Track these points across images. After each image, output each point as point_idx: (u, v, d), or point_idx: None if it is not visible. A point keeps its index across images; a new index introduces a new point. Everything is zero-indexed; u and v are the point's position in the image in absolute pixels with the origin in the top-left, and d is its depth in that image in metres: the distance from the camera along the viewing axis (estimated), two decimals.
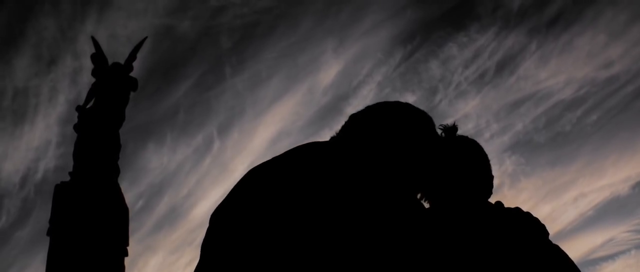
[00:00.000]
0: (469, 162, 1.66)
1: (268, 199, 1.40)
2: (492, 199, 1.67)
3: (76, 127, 7.84)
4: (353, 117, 1.65)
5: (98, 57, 8.26)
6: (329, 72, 14.47)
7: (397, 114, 1.63)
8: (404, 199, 1.47)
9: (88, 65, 8.38)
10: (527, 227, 1.51)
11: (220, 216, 1.47)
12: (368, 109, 1.66)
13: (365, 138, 1.57)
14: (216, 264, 1.40)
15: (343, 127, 1.64)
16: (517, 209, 1.57)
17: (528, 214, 1.56)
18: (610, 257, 14.57)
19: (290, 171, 1.45)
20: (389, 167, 1.51)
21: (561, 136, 14.51)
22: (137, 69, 8.50)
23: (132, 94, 8.25)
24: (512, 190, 14.31)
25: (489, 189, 1.67)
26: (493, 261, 1.42)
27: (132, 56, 8.38)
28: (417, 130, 1.61)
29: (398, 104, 1.69)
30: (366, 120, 1.62)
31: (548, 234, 1.54)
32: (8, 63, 14.06)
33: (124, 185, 7.97)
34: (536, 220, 1.55)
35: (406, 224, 1.41)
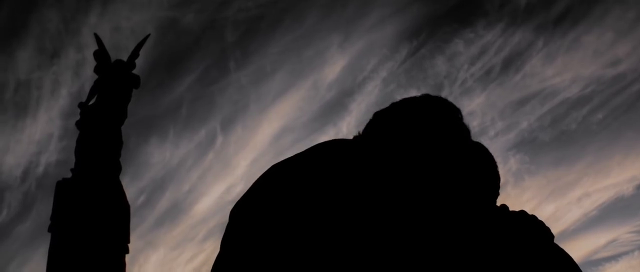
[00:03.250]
0: (478, 168, 1.62)
1: (289, 197, 1.39)
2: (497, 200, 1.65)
3: (78, 124, 7.84)
4: (377, 115, 1.61)
5: (101, 54, 8.25)
6: (334, 67, 14.45)
7: (423, 112, 1.57)
8: (424, 202, 1.43)
9: (91, 58, 8.38)
10: (532, 230, 1.47)
11: (241, 212, 1.45)
12: (393, 106, 1.62)
13: (389, 138, 1.53)
14: (235, 260, 1.38)
15: (367, 126, 1.61)
16: (522, 212, 1.54)
17: (533, 217, 1.53)
18: (614, 258, 14.53)
19: (312, 170, 1.43)
20: (414, 170, 1.47)
21: (566, 134, 14.45)
22: (140, 63, 8.51)
23: (134, 90, 8.24)
24: (516, 189, 14.26)
25: (495, 192, 1.64)
26: (497, 265, 1.39)
27: (135, 54, 8.37)
28: (444, 131, 1.56)
29: (425, 100, 1.63)
30: (391, 119, 1.57)
31: (553, 237, 1.51)
32: (10, 55, 14.09)
33: (125, 180, 7.97)
34: (541, 223, 1.52)
35: (424, 227, 1.38)
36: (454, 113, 1.60)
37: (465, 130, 1.60)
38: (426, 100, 1.62)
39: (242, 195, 1.48)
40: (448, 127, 1.56)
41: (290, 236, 1.33)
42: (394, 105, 1.62)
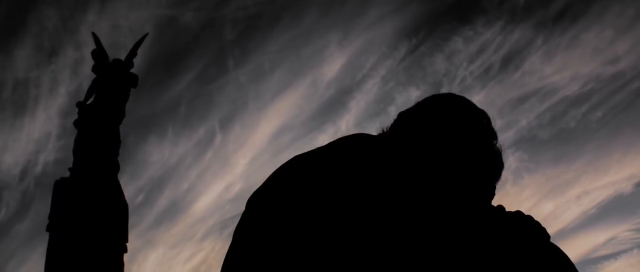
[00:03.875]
0: (489, 173, 1.61)
1: (308, 190, 1.37)
2: (495, 198, 1.63)
3: (76, 124, 7.82)
4: (402, 115, 1.59)
5: (98, 53, 8.23)
6: (333, 65, 14.43)
7: (450, 113, 1.56)
8: (437, 203, 1.42)
9: (89, 56, 8.36)
10: (527, 231, 1.46)
11: (258, 202, 1.43)
12: (417, 106, 1.60)
13: (414, 137, 1.52)
14: (247, 251, 1.36)
15: (392, 126, 1.59)
16: (518, 213, 1.53)
17: (529, 217, 1.52)
18: (613, 256, 14.53)
19: (335, 164, 1.40)
20: (437, 170, 1.46)
21: (565, 132, 14.44)
22: (139, 61, 8.49)
23: (132, 89, 8.22)
24: (515, 187, 14.25)
25: (491, 192, 1.62)
26: (493, 265, 1.37)
27: (133, 52, 8.35)
28: (471, 133, 1.54)
29: (450, 99, 1.61)
30: (416, 119, 1.56)
31: (549, 237, 1.50)
32: (9, 54, 14.05)
33: (124, 179, 7.96)
34: (537, 224, 1.50)
35: (432, 227, 1.37)
36: (480, 117, 1.59)
37: (490, 135, 1.59)
38: (452, 102, 1.60)
39: (261, 184, 1.47)
40: (473, 132, 1.55)
41: (305, 231, 1.32)
42: (419, 105, 1.60)
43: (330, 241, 1.30)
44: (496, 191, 1.64)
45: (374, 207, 1.34)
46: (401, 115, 1.59)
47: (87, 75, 8.89)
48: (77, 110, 7.93)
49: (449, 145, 1.50)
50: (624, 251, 14.35)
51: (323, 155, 1.45)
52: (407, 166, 1.44)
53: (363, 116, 14.20)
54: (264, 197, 1.42)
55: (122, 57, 8.36)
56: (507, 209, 1.54)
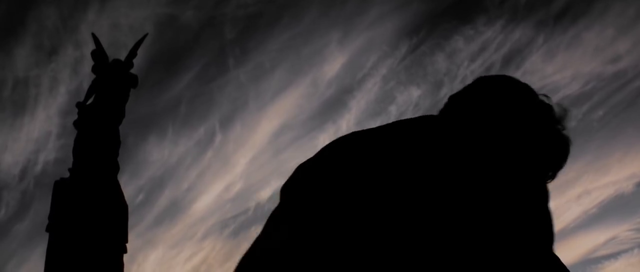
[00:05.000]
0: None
1: (364, 166, 1.33)
2: None
3: (76, 124, 7.82)
4: (453, 98, 1.55)
5: (98, 54, 8.23)
6: (333, 64, 14.40)
7: (502, 91, 1.53)
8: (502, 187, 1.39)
9: (89, 55, 8.36)
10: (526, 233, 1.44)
11: (306, 172, 1.39)
12: (468, 87, 1.56)
13: (470, 118, 1.48)
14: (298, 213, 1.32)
15: (443, 109, 1.55)
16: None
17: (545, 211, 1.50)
18: (613, 255, 14.53)
19: (395, 143, 1.38)
20: (495, 152, 1.44)
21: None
22: (139, 60, 8.48)
23: (132, 89, 8.22)
24: None
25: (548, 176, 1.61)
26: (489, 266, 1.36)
27: (133, 53, 8.35)
28: (525, 110, 1.52)
29: (501, 79, 1.58)
30: (469, 99, 1.52)
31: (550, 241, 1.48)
32: (8, 53, 14.05)
33: (124, 178, 7.97)
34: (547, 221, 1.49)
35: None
36: (535, 96, 1.55)
37: (553, 116, 1.57)
38: (502, 79, 1.57)
39: (313, 155, 1.44)
40: (533, 114, 1.53)
41: (353, 210, 1.27)
42: (469, 87, 1.56)
43: (374, 221, 1.26)
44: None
45: (431, 194, 1.28)
46: (453, 99, 1.55)
47: (87, 74, 8.88)
48: (77, 110, 7.94)
49: (510, 127, 1.47)
50: (625, 251, 14.34)
51: (383, 134, 1.41)
52: (462, 151, 1.40)
53: (364, 115, 14.20)
54: (314, 169, 1.39)
55: (122, 55, 8.38)
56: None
